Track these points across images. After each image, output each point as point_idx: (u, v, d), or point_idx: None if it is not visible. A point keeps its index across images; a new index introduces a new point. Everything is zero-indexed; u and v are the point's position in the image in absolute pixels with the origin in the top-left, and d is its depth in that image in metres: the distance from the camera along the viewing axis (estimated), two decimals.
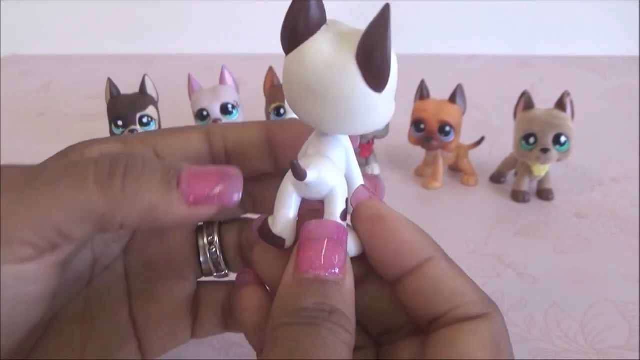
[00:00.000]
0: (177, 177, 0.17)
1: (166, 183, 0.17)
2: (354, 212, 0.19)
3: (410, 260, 0.18)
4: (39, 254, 0.16)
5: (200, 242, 0.25)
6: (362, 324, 0.21)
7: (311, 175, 0.17)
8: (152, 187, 0.17)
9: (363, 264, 0.19)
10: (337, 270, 0.17)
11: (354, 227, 0.19)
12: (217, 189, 0.17)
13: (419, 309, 0.18)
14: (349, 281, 0.17)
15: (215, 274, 0.25)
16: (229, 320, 0.25)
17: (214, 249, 0.25)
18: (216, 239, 0.25)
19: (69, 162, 0.17)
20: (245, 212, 0.26)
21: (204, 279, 0.26)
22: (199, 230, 0.25)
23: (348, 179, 0.19)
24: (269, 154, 0.23)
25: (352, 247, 0.19)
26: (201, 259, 0.25)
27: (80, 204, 0.16)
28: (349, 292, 0.17)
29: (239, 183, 0.18)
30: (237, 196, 0.18)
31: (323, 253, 0.17)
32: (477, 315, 0.17)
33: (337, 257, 0.17)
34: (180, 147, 0.22)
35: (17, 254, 0.16)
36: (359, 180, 0.20)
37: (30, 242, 0.16)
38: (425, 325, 0.18)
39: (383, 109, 0.17)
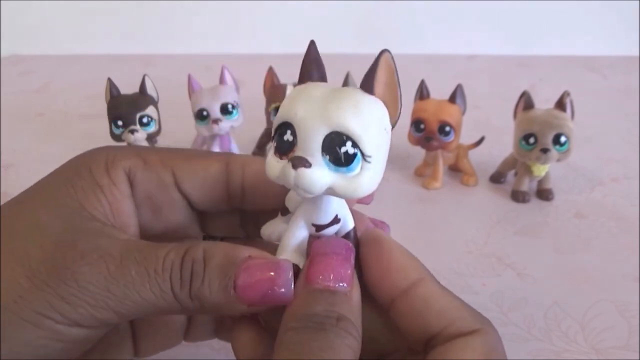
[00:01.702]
0: (234, 281, 0.18)
1: (224, 288, 0.19)
2: (359, 239, 0.21)
3: (402, 280, 0.19)
4: (100, 327, 0.19)
5: None
6: None
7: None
8: (213, 292, 0.19)
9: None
10: (345, 284, 0.18)
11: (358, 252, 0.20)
12: (270, 290, 0.18)
13: (414, 330, 0.19)
14: (356, 294, 0.18)
15: None
16: (220, 328, 0.26)
17: None
18: None
19: (149, 264, 0.19)
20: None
21: None
22: None
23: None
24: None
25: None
26: None
27: (159, 308, 0.19)
28: (356, 304, 0.18)
29: (288, 278, 0.19)
30: (288, 292, 0.18)
31: (332, 267, 0.18)
32: (470, 330, 0.18)
33: (345, 271, 0.18)
34: (201, 176, 0.23)
35: (85, 324, 0.19)
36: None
37: (102, 321, 0.19)
38: (422, 348, 0.19)
39: None
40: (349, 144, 0.17)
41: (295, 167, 0.17)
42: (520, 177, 0.45)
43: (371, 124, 0.17)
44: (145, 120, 0.44)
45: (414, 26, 0.84)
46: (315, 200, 0.19)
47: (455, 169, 0.49)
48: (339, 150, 0.17)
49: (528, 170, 0.44)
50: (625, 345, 0.30)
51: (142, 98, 0.45)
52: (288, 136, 0.17)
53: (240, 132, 0.49)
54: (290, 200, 0.21)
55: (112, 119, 0.44)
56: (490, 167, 0.49)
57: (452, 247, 0.39)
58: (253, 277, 0.18)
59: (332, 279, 0.18)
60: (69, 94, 0.71)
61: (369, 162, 0.17)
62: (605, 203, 0.44)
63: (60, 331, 0.18)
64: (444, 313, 0.18)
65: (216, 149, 0.48)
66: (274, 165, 0.18)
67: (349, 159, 0.17)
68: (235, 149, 0.49)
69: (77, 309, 0.18)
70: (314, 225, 0.20)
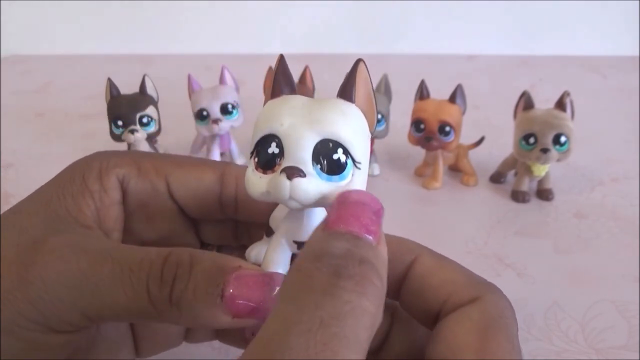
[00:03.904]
0: (222, 290, 0.17)
1: (210, 295, 0.17)
2: None
3: (398, 265, 0.18)
4: (77, 331, 0.19)
5: None
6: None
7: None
8: (197, 298, 0.17)
9: None
10: (371, 237, 0.15)
11: None
12: (261, 303, 0.17)
13: (419, 313, 0.18)
14: (383, 251, 0.15)
15: None
16: (221, 330, 0.25)
17: None
18: None
19: (124, 262, 0.18)
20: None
21: None
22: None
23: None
24: None
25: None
26: None
27: (131, 311, 0.18)
28: (383, 257, 0.15)
29: None
30: None
31: (358, 215, 0.15)
32: (468, 300, 0.17)
33: (373, 224, 0.15)
34: (194, 185, 0.22)
35: (59, 329, 0.18)
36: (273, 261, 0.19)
37: (71, 324, 0.18)
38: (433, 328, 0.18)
39: None
40: (340, 151, 0.16)
41: (290, 177, 0.16)
42: (520, 177, 0.45)
43: (358, 130, 0.17)
44: (145, 120, 0.44)
45: (414, 26, 0.83)
46: (298, 217, 0.18)
47: (455, 169, 0.49)
48: (332, 157, 0.16)
49: (528, 170, 0.44)
50: (625, 345, 0.30)
51: (142, 98, 0.45)
52: (273, 149, 0.16)
53: (240, 132, 0.49)
54: (275, 220, 0.20)
55: (112, 119, 0.44)
56: (490, 167, 0.49)
57: (452, 247, 0.39)
58: (244, 287, 0.17)
59: (357, 225, 0.15)
60: (69, 94, 0.71)
61: (359, 168, 0.17)
62: (605, 203, 0.44)
63: (36, 339, 0.18)
64: (441, 288, 0.17)
65: (216, 148, 0.48)
66: (257, 181, 0.17)
67: (341, 167, 0.16)
68: (235, 148, 0.49)
69: (44, 312, 0.17)
70: (295, 242, 0.18)
